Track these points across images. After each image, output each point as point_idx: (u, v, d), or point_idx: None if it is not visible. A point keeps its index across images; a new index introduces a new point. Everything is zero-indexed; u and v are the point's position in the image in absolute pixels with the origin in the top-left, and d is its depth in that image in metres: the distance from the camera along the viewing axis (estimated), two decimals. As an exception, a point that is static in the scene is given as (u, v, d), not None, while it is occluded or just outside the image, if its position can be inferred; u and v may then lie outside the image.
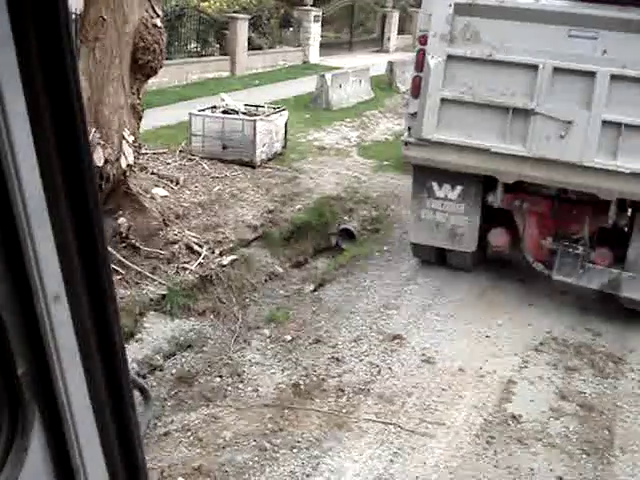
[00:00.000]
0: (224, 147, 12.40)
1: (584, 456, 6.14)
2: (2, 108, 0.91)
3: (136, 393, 1.60)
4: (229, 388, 6.93)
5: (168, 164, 11.83)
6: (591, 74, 7.88)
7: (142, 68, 8.81)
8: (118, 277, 7.94)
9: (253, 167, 12.43)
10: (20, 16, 0.91)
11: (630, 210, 8.54)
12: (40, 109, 0.96)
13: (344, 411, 6.53)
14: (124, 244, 8.49)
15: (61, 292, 1.04)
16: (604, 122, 7.91)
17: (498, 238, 9.12)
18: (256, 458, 5.82)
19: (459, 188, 8.96)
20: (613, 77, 7.80)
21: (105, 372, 1.16)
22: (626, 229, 8.60)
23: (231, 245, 9.52)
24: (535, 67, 8.06)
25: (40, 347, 1.05)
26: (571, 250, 8.52)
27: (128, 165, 8.60)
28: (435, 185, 9.05)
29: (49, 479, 1.12)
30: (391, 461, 5.90)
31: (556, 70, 8.01)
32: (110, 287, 1.13)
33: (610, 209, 8.30)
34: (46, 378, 1.07)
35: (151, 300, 7.96)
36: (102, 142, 8.05)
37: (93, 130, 7.96)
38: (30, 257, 0.99)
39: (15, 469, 1.05)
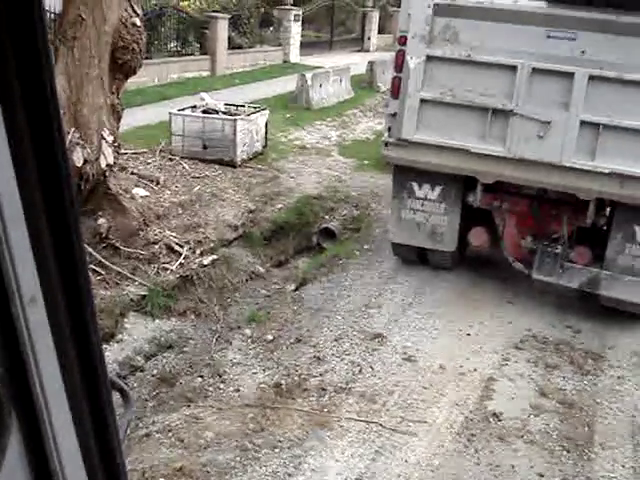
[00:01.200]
0: (204, 147, 12.38)
1: (564, 453, 6.19)
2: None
3: (116, 394, 1.59)
4: (210, 388, 6.93)
5: (148, 164, 11.79)
6: (569, 75, 7.94)
7: (121, 67, 8.77)
8: (98, 278, 7.91)
9: (234, 167, 12.41)
10: None
11: (608, 209, 8.62)
12: (15, 109, 0.96)
13: (326, 410, 6.54)
14: (104, 244, 8.46)
15: (37, 294, 1.04)
16: (582, 122, 7.97)
17: (478, 238, 9.17)
18: (238, 458, 5.81)
19: (439, 188, 9.00)
20: (591, 78, 7.86)
21: (83, 374, 1.16)
22: (604, 228, 8.67)
23: (212, 245, 9.50)
24: (514, 68, 8.11)
25: (16, 349, 1.04)
26: (550, 249, 8.58)
27: (108, 165, 8.57)
28: (415, 185, 9.08)
29: (27, 481, 1.12)
30: (373, 459, 5.92)
31: (535, 71, 8.06)
32: (87, 288, 1.13)
33: (589, 209, 8.37)
34: (23, 380, 1.07)
35: (131, 300, 7.93)
36: (81, 142, 8.01)
37: (72, 130, 7.92)
38: (6, 259, 0.98)
39: (-8, 472, 1.05)
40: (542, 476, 5.88)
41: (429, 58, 8.40)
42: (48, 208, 1.03)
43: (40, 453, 1.13)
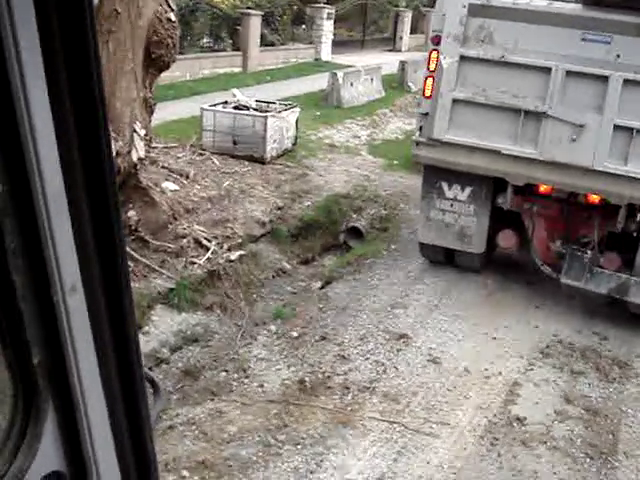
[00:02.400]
0: (235, 142, 12.42)
1: (588, 460, 6.13)
2: (26, 105, 0.93)
3: (146, 385, 1.61)
4: (235, 383, 6.95)
5: (179, 158, 11.85)
6: (604, 78, 7.86)
7: (155, 62, 8.82)
8: (127, 270, 7.97)
9: (263, 163, 12.44)
10: (44, 6, 0.93)
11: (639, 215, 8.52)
12: (63, 105, 0.97)
13: (349, 409, 6.55)
14: (133, 237, 8.52)
15: (78, 283, 1.06)
16: (616, 127, 7.90)
17: (507, 240, 9.11)
18: (260, 453, 5.83)
19: (469, 189, 8.96)
20: (626, 82, 7.78)
21: (119, 363, 1.17)
22: (635, 234, 8.57)
23: (239, 240, 9.53)
24: (548, 70, 8.05)
25: (56, 337, 1.06)
26: (579, 254, 8.51)
27: (139, 158, 8.62)
28: (445, 185, 9.05)
29: (61, 466, 1.13)
30: (395, 460, 5.91)
31: (569, 73, 7.99)
32: (126, 279, 1.15)
33: (620, 214, 8.28)
34: (61, 368, 1.08)
35: (159, 293, 7.99)
36: (113, 135, 8.07)
37: (106, 123, 7.98)
38: (49, 248, 1.00)
39: (28, 456, 1.07)
40: (565, 482, 5.84)
41: (462, 58, 8.36)
42: (91, 199, 1.05)
43: (74, 440, 1.15)
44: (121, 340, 1.16)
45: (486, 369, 7.41)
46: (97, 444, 1.18)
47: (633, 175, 7.89)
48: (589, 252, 8.50)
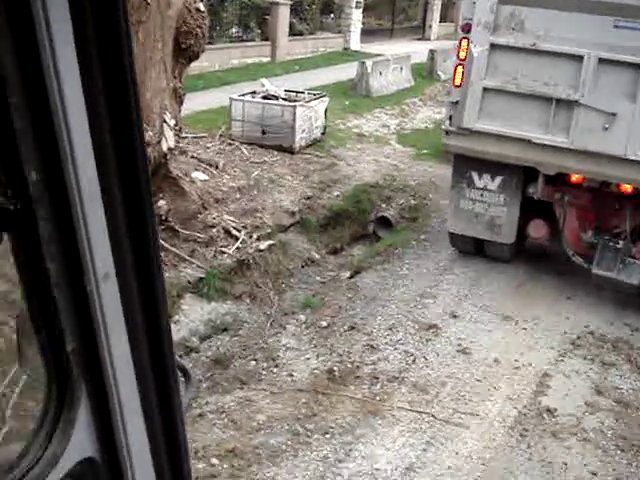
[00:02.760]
0: (263, 132, 12.43)
1: (618, 452, 6.08)
2: (59, 93, 0.93)
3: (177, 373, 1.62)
4: (264, 372, 6.99)
5: (208, 148, 11.89)
6: (637, 66, 7.75)
7: (184, 52, 8.85)
8: (157, 259, 8.02)
9: (292, 153, 12.44)
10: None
11: (673, 205, 8.40)
12: (95, 92, 0.97)
13: (378, 399, 6.55)
14: (163, 227, 8.57)
15: (111, 271, 1.06)
16: (650, 115, 7.79)
17: (538, 230, 9.03)
18: (289, 442, 5.86)
19: (499, 178, 8.89)
20: (660, 69, 7.67)
21: (151, 351, 1.18)
22: (668, 224, 8.46)
23: (269, 230, 9.55)
24: (580, 58, 7.95)
25: (89, 324, 1.07)
26: (611, 244, 8.42)
27: (169, 148, 8.67)
28: (475, 175, 8.99)
29: (94, 452, 1.14)
30: (424, 450, 5.91)
31: (601, 61, 7.88)
32: (159, 268, 1.15)
33: (653, 203, 8.18)
34: (94, 355, 1.09)
35: (189, 282, 8.03)
36: (143, 125, 8.11)
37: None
38: (82, 236, 1.01)
39: (62, 442, 1.08)
40: (595, 475, 5.80)
41: (493, 46, 8.28)
42: (124, 188, 1.05)
43: (107, 426, 1.15)
44: (153, 328, 1.16)
45: (516, 360, 7.37)
46: (129, 431, 1.18)
47: (666, 164, 7.78)
48: (621, 242, 8.41)
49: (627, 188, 8.40)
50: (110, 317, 1.08)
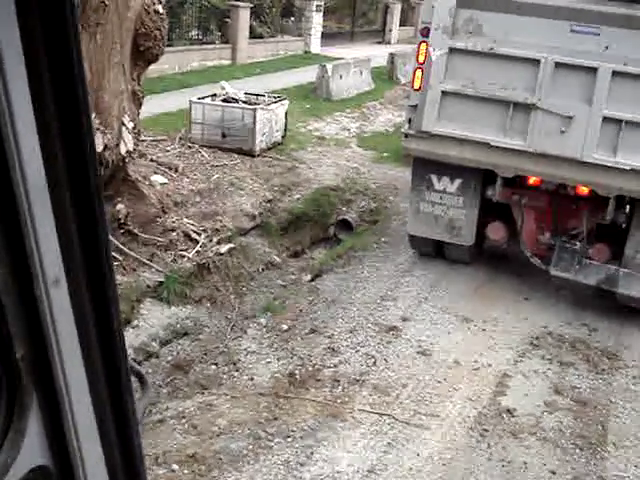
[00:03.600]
0: (224, 135, 12.39)
1: (577, 451, 6.16)
2: (5, 87, 0.91)
3: (133, 379, 1.60)
4: (225, 376, 6.95)
5: (167, 151, 11.82)
6: (593, 70, 7.88)
7: (143, 54, 8.78)
8: (115, 263, 7.93)
9: (252, 156, 12.41)
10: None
11: (628, 207, 8.54)
12: (44, 90, 0.96)
13: (339, 401, 6.55)
14: (122, 230, 8.49)
15: (61, 276, 1.04)
16: (605, 118, 7.92)
17: (496, 232, 9.13)
18: (250, 446, 5.83)
19: (458, 181, 8.96)
20: (615, 73, 7.80)
21: (104, 357, 1.16)
22: (624, 226, 8.60)
23: (229, 234, 9.51)
24: (537, 62, 8.05)
25: (39, 331, 1.05)
26: (569, 245, 8.54)
27: (127, 151, 8.59)
28: (434, 178, 9.05)
29: (46, 461, 1.12)
30: (385, 452, 5.92)
31: (558, 65, 8.00)
32: (110, 273, 1.13)
33: (609, 205, 8.30)
34: (44, 362, 1.07)
35: (148, 287, 7.97)
36: (102, 128, 8.03)
37: (93, 116, 7.94)
38: (30, 240, 0.99)
39: (12, 451, 1.06)
40: (554, 473, 5.86)
41: (452, 50, 8.35)
42: (73, 191, 1.03)
43: (59, 434, 1.13)
44: (105, 334, 1.15)
45: (476, 361, 7.43)
46: (82, 438, 1.16)
47: (622, 166, 7.91)
48: (578, 244, 8.54)
49: (584, 190, 8.54)
50: (60, 323, 1.06)
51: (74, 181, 1.03)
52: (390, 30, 34.58)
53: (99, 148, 7.93)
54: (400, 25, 35.37)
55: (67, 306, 1.07)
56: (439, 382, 7.00)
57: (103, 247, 1.10)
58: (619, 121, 7.89)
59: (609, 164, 7.96)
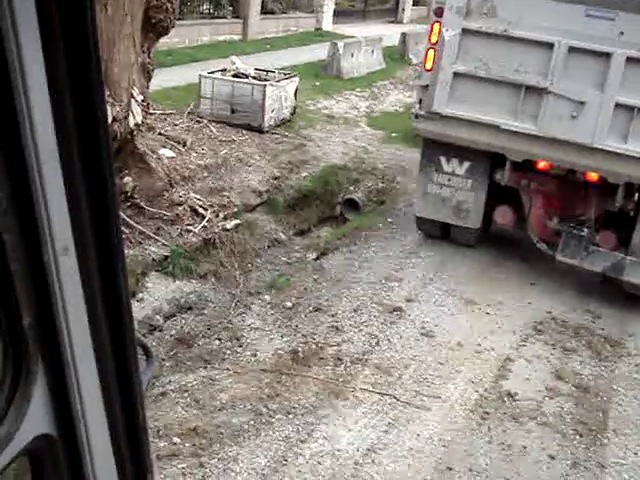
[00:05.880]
0: (233, 111, 12.34)
1: (577, 436, 6.18)
2: (19, 57, 0.90)
3: (139, 351, 1.59)
4: (228, 352, 6.97)
5: (176, 125, 11.78)
6: (607, 55, 7.81)
7: (154, 27, 8.74)
8: (122, 236, 7.93)
9: (261, 132, 12.38)
10: None
11: (637, 195, 8.50)
12: (56, 57, 0.94)
13: (341, 380, 6.57)
14: (129, 203, 8.49)
15: (70, 244, 1.03)
16: (617, 105, 7.86)
17: (503, 216, 9.10)
18: (252, 422, 5.86)
19: (467, 164, 8.93)
20: (629, 59, 7.74)
21: (110, 327, 1.15)
22: (632, 213, 8.56)
23: (235, 210, 9.51)
24: (550, 45, 7.99)
25: (47, 299, 1.04)
26: (576, 232, 8.51)
27: (136, 124, 8.56)
28: (443, 159, 9.01)
29: (50, 429, 1.12)
30: (385, 431, 5.94)
31: (571, 49, 7.93)
32: (119, 243, 1.12)
33: (617, 193, 8.27)
34: (51, 330, 1.06)
35: (154, 260, 7.97)
36: (111, 100, 8.00)
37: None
38: (40, 208, 0.98)
39: (17, 418, 1.05)
40: (553, 458, 5.88)
41: (465, 31, 8.28)
42: (84, 160, 1.02)
43: (64, 403, 1.13)
44: (113, 304, 1.14)
45: (479, 344, 7.43)
46: (87, 407, 1.16)
47: (632, 154, 7.87)
48: (586, 230, 8.50)
49: (593, 176, 8.49)
50: (69, 292, 1.06)
51: (85, 150, 1.01)
52: (403, 9, 34.32)
53: (108, 120, 7.90)
54: (413, 4, 35.10)
55: (75, 274, 1.06)
56: (441, 364, 7.02)
57: (113, 217, 1.09)
58: (631, 108, 7.84)
59: (619, 151, 7.92)
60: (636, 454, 6.05)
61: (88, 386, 1.15)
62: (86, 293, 1.08)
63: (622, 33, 7.77)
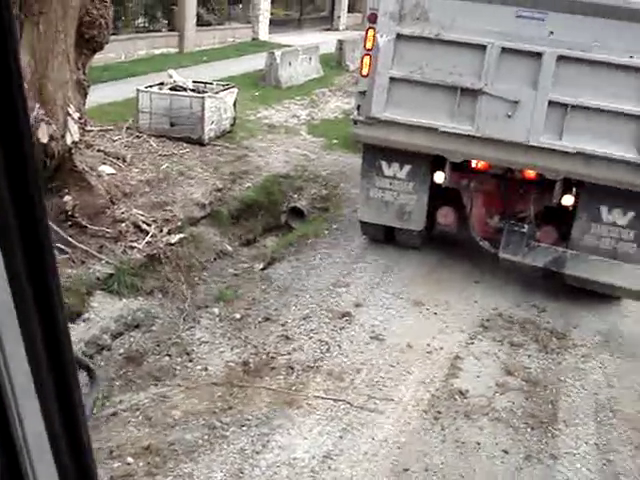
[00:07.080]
0: (172, 124, 12.25)
1: (529, 430, 6.27)
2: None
3: (82, 373, 1.58)
4: (178, 367, 6.90)
5: (115, 141, 11.64)
6: (538, 55, 7.98)
7: (88, 43, 8.64)
8: (64, 256, 7.81)
9: (202, 145, 12.31)
10: None
11: (575, 189, 8.69)
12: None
13: (293, 388, 6.56)
14: (70, 223, 8.35)
15: (1, 271, 1.02)
16: (550, 102, 8.04)
17: (446, 217, 9.22)
18: (206, 436, 5.81)
19: (407, 167, 9.02)
20: (559, 58, 7.92)
21: (48, 351, 1.14)
22: (571, 209, 8.75)
23: (179, 223, 9.43)
24: (483, 47, 8.13)
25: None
26: (517, 229, 8.66)
27: (73, 142, 8.44)
28: (384, 164, 9.09)
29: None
30: (340, 437, 5.95)
31: (504, 50, 8.08)
32: (52, 265, 1.11)
33: (555, 188, 8.44)
34: None
35: (98, 279, 7.85)
36: (46, 118, 7.88)
37: (37, 106, 7.78)
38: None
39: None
40: (507, 453, 5.96)
41: (399, 36, 8.37)
42: (11, 186, 1.01)
43: (5, 432, 1.11)
44: (50, 327, 1.13)
45: (428, 344, 7.50)
46: (29, 433, 1.15)
47: (568, 150, 8.05)
48: (526, 227, 8.66)
49: (531, 174, 8.67)
50: (3, 319, 1.04)
51: (12, 176, 1.00)
52: (338, 17, 34.56)
53: (44, 139, 7.79)
54: (348, 11, 35.37)
55: (9, 302, 1.05)
56: (392, 366, 7.06)
57: (44, 241, 1.08)
58: (564, 105, 8.02)
59: (555, 147, 8.09)
60: (587, 443, 6.17)
61: (28, 413, 1.13)
62: (21, 319, 1.07)
63: (552, 33, 7.95)
